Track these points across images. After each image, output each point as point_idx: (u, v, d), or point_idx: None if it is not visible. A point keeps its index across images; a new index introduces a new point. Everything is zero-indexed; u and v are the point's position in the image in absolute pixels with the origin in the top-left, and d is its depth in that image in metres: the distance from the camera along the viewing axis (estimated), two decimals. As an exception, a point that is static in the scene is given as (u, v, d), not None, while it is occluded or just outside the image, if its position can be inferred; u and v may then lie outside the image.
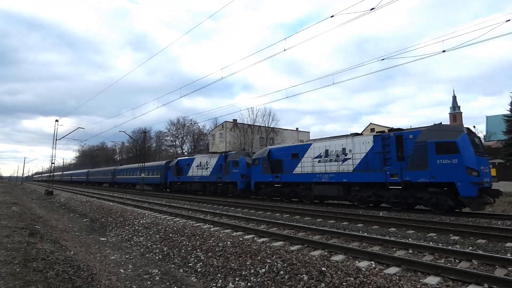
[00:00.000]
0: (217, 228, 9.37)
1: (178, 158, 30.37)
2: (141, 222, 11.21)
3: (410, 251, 6.33)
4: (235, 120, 50.88)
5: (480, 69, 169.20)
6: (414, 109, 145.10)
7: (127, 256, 7.91)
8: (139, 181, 36.28)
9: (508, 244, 6.92)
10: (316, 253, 6.22)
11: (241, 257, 6.37)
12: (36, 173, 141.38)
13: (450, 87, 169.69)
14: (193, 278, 6.22)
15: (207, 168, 24.91)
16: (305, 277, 5.09)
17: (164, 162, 33.28)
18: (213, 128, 56.06)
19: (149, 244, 8.80)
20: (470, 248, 6.71)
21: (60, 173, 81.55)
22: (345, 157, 15.07)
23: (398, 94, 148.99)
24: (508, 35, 9.12)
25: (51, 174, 46.93)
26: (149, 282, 6.01)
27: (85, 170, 65.05)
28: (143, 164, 36.21)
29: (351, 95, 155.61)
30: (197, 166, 26.18)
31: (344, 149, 15.22)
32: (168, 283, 5.94)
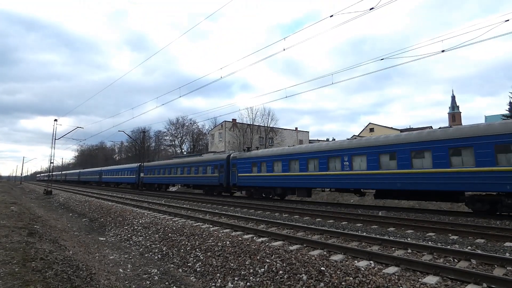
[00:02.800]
0: (216, 227, 9.36)
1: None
2: (140, 221, 11.20)
3: (409, 250, 6.33)
4: (234, 120, 50.82)
5: (477, 70, 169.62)
6: (413, 109, 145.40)
7: (126, 256, 7.91)
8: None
9: (507, 244, 6.93)
10: (315, 252, 6.22)
11: (240, 257, 6.37)
12: (37, 172, 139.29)
13: (447, 87, 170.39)
14: (192, 277, 6.21)
15: None
16: (304, 277, 5.09)
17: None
18: (212, 128, 56.03)
19: (148, 244, 8.79)
20: (469, 247, 6.72)
21: (76, 171, 69.67)
22: None
23: (396, 94, 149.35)
24: (505, 35, 9.11)
25: (49, 173, 46.91)
26: (148, 282, 6.01)
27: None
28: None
29: (349, 95, 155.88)
30: None
31: None
32: (167, 283, 5.93)
